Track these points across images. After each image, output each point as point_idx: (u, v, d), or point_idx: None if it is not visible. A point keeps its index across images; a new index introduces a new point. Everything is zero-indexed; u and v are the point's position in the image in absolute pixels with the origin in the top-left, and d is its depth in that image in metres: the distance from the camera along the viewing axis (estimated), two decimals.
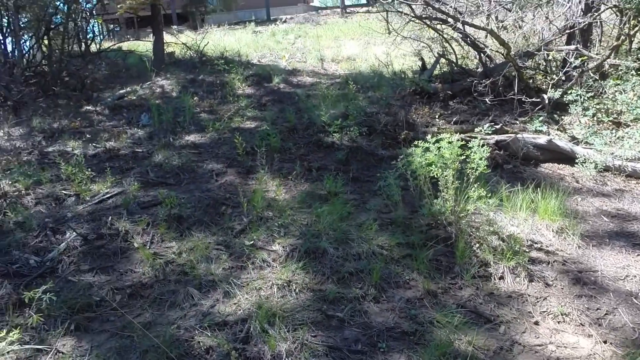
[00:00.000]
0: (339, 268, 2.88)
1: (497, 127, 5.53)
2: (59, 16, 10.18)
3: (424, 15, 7.19)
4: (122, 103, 7.82)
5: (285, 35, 18.43)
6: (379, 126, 5.50)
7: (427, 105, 6.37)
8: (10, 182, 4.00)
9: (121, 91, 8.70)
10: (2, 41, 9.01)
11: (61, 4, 9.94)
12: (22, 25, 9.82)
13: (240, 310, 2.52)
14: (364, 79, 8.48)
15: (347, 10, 27.30)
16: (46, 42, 9.37)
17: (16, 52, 9.41)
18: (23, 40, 9.83)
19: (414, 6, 6.83)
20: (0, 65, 7.68)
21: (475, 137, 5.18)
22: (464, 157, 3.33)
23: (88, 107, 7.67)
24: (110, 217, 3.47)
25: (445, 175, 3.22)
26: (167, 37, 13.02)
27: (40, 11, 9.32)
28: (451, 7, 6.52)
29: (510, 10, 7.64)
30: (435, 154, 3.34)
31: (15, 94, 7.23)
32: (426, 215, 3.37)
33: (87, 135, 5.79)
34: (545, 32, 6.93)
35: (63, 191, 4.03)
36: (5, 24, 9.50)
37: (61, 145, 5.43)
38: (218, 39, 15.88)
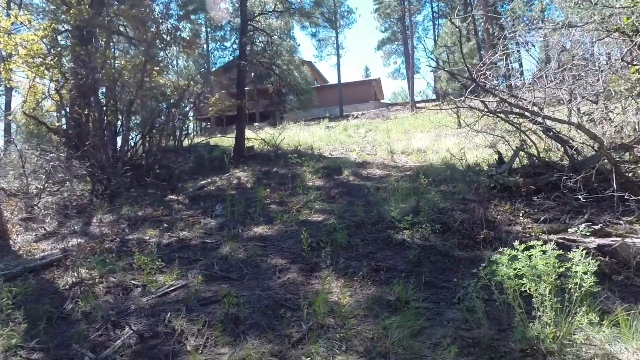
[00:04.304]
0: None
1: (597, 227, 4.81)
2: (162, 117, 11.81)
3: (498, 110, 7.00)
4: (201, 193, 8.36)
5: (356, 129, 19.32)
6: (454, 224, 5.07)
7: (508, 201, 5.85)
8: (87, 270, 4.20)
9: (202, 182, 9.40)
10: (110, 139, 10.53)
11: (164, 108, 11.58)
12: (131, 126, 11.51)
13: None
14: (436, 172, 8.23)
15: (417, 105, 28.32)
16: (150, 139, 10.79)
17: (125, 148, 10.91)
18: (131, 138, 11.46)
19: (487, 101, 6.72)
20: (107, 159, 8.83)
21: (572, 240, 4.58)
22: (563, 268, 2.80)
23: (172, 197, 8.30)
24: (169, 314, 3.38)
25: (541, 292, 2.69)
26: (248, 133, 14.34)
27: (147, 115, 10.89)
28: (528, 101, 6.27)
29: (596, 103, 7.17)
30: (526, 264, 2.85)
31: (114, 184, 8.13)
32: (519, 340, 2.77)
33: (165, 225, 6.12)
34: None
35: (132, 281, 4.12)
36: (119, 125, 11.22)
37: (141, 233, 5.77)
38: (294, 134, 17.07)
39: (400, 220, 5.23)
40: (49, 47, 11.14)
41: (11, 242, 5.88)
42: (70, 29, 11.43)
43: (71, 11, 10.07)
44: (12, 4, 19.42)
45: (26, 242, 5.85)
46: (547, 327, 2.64)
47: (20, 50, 10.69)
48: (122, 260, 4.65)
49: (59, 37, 12.10)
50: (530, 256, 2.90)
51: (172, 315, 3.36)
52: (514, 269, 2.89)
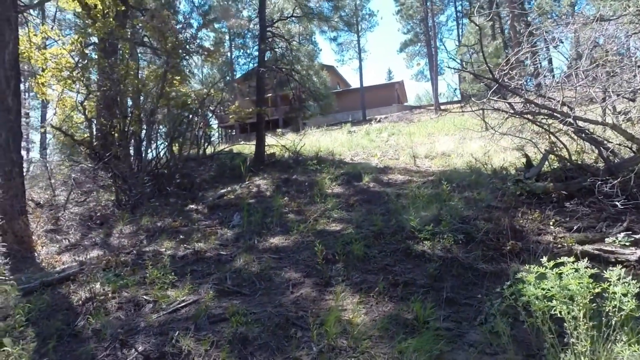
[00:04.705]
0: None
1: (637, 237, 4.41)
2: (183, 126, 11.95)
3: (525, 111, 6.63)
4: (221, 202, 8.35)
5: (379, 133, 19.04)
6: (478, 234, 4.78)
7: (537, 208, 5.48)
8: (101, 284, 4.19)
9: (222, 190, 9.40)
10: (135, 149, 10.72)
11: (186, 116, 11.71)
12: (153, 136, 11.69)
13: None
14: (460, 177, 7.90)
15: (441, 108, 27.69)
16: (172, 148, 10.93)
17: (147, 157, 11.09)
18: (154, 147, 11.63)
19: (513, 102, 6.37)
20: (129, 169, 8.98)
21: (609, 251, 4.22)
22: (599, 288, 2.51)
23: (192, 206, 8.32)
24: (177, 332, 3.29)
25: (574, 315, 2.42)
26: (270, 140, 14.34)
27: (169, 124, 11.06)
28: (557, 101, 5.89)
29: (633, 101, 6.67)
30: (556, 284, 2.57)
31: (135, 194, 8.24)
32: None
33: (182, 236, 6.10)
34: None
35: (144, 296, 4.07)
36: (143, 135, 11.42)
37: (158, 245, 5.77)
38: (315, 140, 16.96)
39: (420, 230, 4.99)
40: (76, 60, 11.53)
41: (36, 254, 6.02)
42: (97, 42, 11.81)
43: (96, 24, 10.37)
44: (46, 20, 20.34)
45: (49, 254, 5.96)
46: (582, 358, 2.36)
47: (50, 64, 11.12)
48: (136, 274, 4.63)
49: (86, 50, 12.51)
50: (560, 274, 2.63)
51: (180, 334, 3.27)
52: (543, 289, 2.62)
